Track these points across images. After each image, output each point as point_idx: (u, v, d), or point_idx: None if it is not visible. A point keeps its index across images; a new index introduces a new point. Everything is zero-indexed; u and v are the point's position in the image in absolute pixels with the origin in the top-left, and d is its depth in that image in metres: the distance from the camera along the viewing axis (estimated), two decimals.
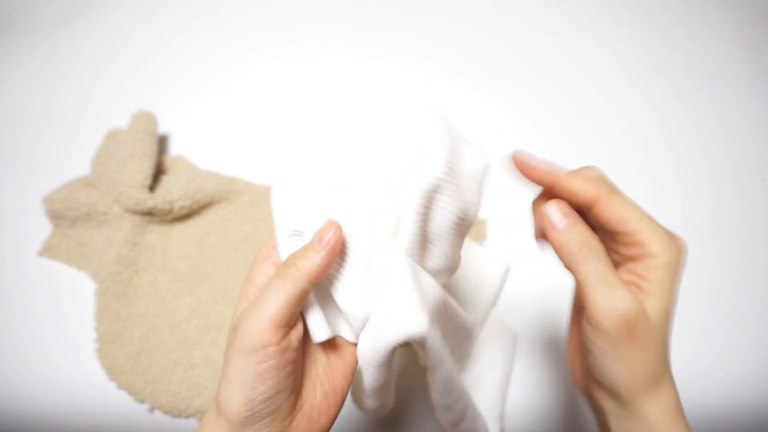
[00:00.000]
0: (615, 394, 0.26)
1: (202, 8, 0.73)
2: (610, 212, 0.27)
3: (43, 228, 0.54)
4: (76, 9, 0.72)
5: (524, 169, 0.28)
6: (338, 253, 0.26)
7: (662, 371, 0.26)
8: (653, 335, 0.25)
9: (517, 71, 0.65)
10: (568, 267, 0.26)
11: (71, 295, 0.51)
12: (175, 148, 0.60)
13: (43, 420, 0.46)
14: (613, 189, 0.28)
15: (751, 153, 0.59)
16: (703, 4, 0.71)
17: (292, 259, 0.25)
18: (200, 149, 0.59)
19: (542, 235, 0.29)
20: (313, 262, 0.25)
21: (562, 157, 0.57)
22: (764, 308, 0.50)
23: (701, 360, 0.48)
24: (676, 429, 0.26)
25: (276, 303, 0.24)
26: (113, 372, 0.46)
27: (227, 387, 0.24)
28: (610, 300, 0.24)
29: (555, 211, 0.27)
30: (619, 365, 0.25)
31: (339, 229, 0.25)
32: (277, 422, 0.25)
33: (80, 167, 0.57)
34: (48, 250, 0.53)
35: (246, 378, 0.24)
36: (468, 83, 0.64)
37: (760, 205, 0.56)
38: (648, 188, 0.56)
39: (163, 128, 0.60)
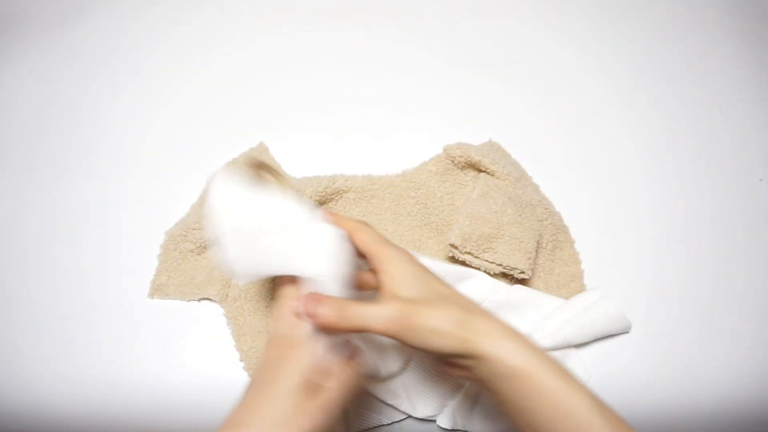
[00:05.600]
0: (456, 355, 0.32)
1: (202, 6, 0.72)
2: (356, 240, 0.37)
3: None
4: (77, 9, 0.71)
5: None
6: None
7: (465, 312, 0.32)
8: (424, 307, 0.32)
9: (517, 71, 0.65)
10: (345, 328, 0.33)
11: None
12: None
13: None
14: (361, 226, 0.38)
15: (751, 153, 0.60)
16: (704, 4, 0.70)
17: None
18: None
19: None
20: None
21: (562, 156, 0.65)
22: (764, 308, 0.51)
23: (701, 360, 0.49)
24: (521, 354, 0.31)
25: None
26: None
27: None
28: (379, 316, 0.33)
29: (301, 305, 0.35)
30: (428, 340, 0.32)
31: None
32: None
33: (81, 169, 0.59)
34: (159, 290, 0.51)
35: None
36: (467, 82, 0.64)
37: (759, 204, 0.57)
38: (647, 187, 0.57)
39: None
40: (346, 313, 0.32)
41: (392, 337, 0.32)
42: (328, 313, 0.32)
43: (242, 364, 0.48)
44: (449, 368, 0.35)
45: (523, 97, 0.63)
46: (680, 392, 0.48)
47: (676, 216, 0.56)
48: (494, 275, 0.49)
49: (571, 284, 0.51)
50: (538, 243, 0.50)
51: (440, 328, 0.31)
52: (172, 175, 0.58)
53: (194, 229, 0.51)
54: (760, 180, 0.58)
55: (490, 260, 0.48)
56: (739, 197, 0.57)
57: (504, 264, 0.48)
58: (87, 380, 0.49)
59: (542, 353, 0.31)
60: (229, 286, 0.50)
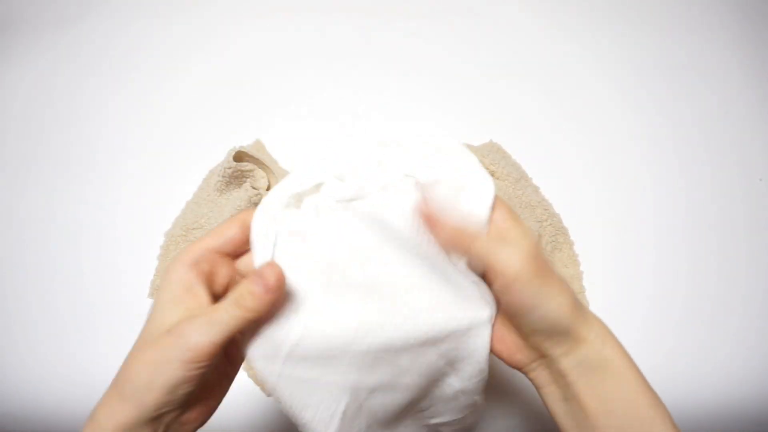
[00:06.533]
0: (557, 331, 0.29)
1: (200, 6, 0.72)
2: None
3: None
4: (77, 9, 0.72)
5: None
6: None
7: (576, 298, 0.29)
8: (546, 262, 0.28)
9: (518, 72, 0.66)
10: (466, 251, 0.28)
11: None
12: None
13: None
14: None
15: (751, 152, 0.60)
16: (705, 4, 0.71)
17: (249, 292, 0.26)
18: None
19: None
20: (263, 302, 0.26)
21: (562, 158, 0.65)
22: (765, 307, 0.51)
23: (702, 360, 0.49)
24: (612, 342, 0.29)
25: (228, 329, 0.25)
26: None
27: (147, 374, 0.25)
28: (511, 248, 0.28)
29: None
30: (548, 300, 0.28)
31: (280, 272, 0.27)
32: (183, 411, 0.27)
33: (80, 170, 0.59)
34: None
35: (173, 378, 0.25)
36: (468, 83, 0.64)
37: (759, 204, 0.57)
38: (647, 188, 0.58)
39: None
40: (471, 237, 0.28)
41: (512, 277, 0.27)
42: (451, 229, 0.28)
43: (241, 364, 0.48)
44: (521, 359, 0.31)
45: (524, 98, 0.63)
46: (681, 392, 0.48)
47: (675, 216, 0.56)
48: None
49: (570, 285, 0.51)
50: None
51: (560, 293, 0.28)
52: (173, 175, 0.58)
53: (193, 228, 0.51)
54: (760, 180, 0.58)
55: None
56: (739, 197, 0.57)
57: None
58: (87, 380, 0.49)
59: (632, 359, 0.29)
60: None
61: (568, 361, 0.29)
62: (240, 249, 0.30)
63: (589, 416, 0.28)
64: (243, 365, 0.48)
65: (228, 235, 0.29)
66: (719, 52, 0.67)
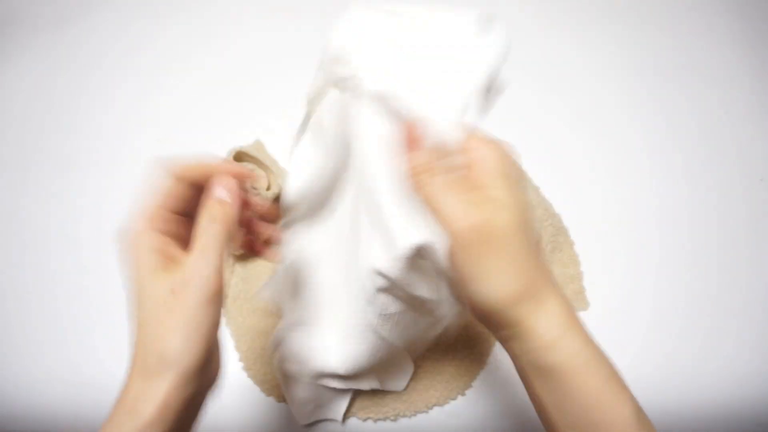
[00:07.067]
0: (497, 318, 0.26)
1: (199, 5, 0.72)
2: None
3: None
4: (76, 9, 0.72)
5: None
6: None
7: (538, 284, 0.26)
8: (508, 242, 0.25)
9: (518, 72, 0.64)
10: (416, 190, 0.27)
11: None
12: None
13: None
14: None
15: (752, 152, 0.60)
16: (705, 5, 0.71)
17: (218, 203, 0.27)
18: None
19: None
20: (234, 206, 0.27)
21: (562, 158, 0.64)
22: (766, 307, 0.51)
23: (703, 360, 0.49)
24: (566, 340, 0.26)
25: (220, 248, 0.26)
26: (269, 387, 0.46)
27: (180, 335, 0.24)
28: (455, 211, 0.25)
29: (413, 129, 0.28)
30: (485, 282, 0.25)
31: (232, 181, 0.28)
32: (209, 364, 0.26)
33: (82, 169, 0.59)
34: None
35: (206, 323, 0.24)
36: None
37: (760, 204, 0.57)
38: (648, 188, 0.57)
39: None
40: (431, 176, 0.27)
41: (452, 240, 0.26)
42: (420, 161, 0.27)
43: (241, 364, 0.48)
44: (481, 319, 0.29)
45: (524, 98, 0.63)
46: (682, 393, 0.48)
47: (676, 216, 0.56)
48: None
49: (570, 286, 0.51)
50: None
51: (506, 274, 0.25)
52: None
53: None
54: (761, 180, 0.58)
55: None
56: (740, 197, 0.57)
57: None
58: (86, 379, 0.49)
59: (596, 351, 0.26)
60: (228, 286, 0.50)
61: (513, 348, 0.27)
62: (188, 206, 0.28)
63: (545, 408, 0.27)
64: (242, 365, 0.48)
65: (167, 190, 0.28)
66: (719, 52, 0.67)
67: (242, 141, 0.58)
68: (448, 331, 0.43)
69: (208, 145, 0.59)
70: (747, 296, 0.52)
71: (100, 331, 0.51)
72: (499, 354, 0.48)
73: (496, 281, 0.25)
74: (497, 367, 0.48)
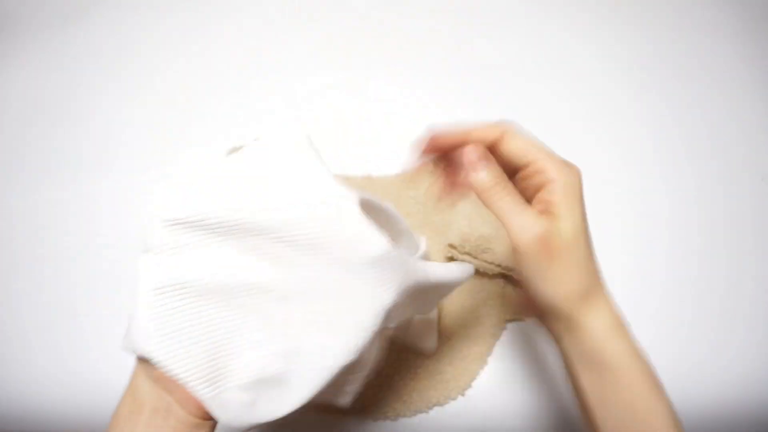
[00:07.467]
0: (555, 313, 0.30)
1: (199, 5, 0.72)
2: (512, 146, 0.31)
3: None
4: (76, 9, 0.72)
5: (441, 141, 0.33)
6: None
7: (593, 288, 0.30)
8: (569, 251, 0.29)
9: (518, 72, 0.65)
10: (487, 205, 0.30)
11: None
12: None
13: None
14: (513, 128, 0.32)
15: (753, 151, 0.60)
16: (709, 3, 0.71)
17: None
18: None
19: (450, 188, 0.35)
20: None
21: (565, 156, 0.60)
22: (766, 307, 0.51)
23: (707, 360, 0.49)
24: (616, 340, 0.29)
25: None
26: None
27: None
28: (523, 225, 0.29)
29: (473, 151, 0.30)
30: (547, 283, 0.29)
31: None
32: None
33: (81, 169, 0.59)
34: None
35: None
36: (468, 82, 0.64)
37: (763, 203, 0.57)
38: (649, 187, 0.57)
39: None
40: (501, 191, 0.29)
41: (514, 251, 0.29)
42: (486, 179, 0.30)
43: None
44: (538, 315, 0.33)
45: (524, 97, 0.63)
46: (686, 393, 0.47)
47: (678, 215, 0.56)
48: (493, 276, 0.49)
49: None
50: None
51: (569, 281, 0.29)
52: (173, 175, 0.58)
53: None
54: (762, 179, 0.58)
55: (489, 261, 0.48)
56: (742, 196, 0.57)
57: (503, 265, 0.48)
58: (87, 379, 0.49)
59: (642, 355, 0.29)
60: None
61: (566, 343, 0.30)
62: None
63: (589, 404, 0.29)
64: None
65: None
66: (723, 51, 0.67)
67: (241, 140, 0.58)
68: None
69: (209, 144, 0.59)
70: (752, 295, 0.52)
71: (101, 331, 0.50)
72: (499, 354, 0.48)
73: (560, 283, 0.29)
74: (497, 367, 0.48)
